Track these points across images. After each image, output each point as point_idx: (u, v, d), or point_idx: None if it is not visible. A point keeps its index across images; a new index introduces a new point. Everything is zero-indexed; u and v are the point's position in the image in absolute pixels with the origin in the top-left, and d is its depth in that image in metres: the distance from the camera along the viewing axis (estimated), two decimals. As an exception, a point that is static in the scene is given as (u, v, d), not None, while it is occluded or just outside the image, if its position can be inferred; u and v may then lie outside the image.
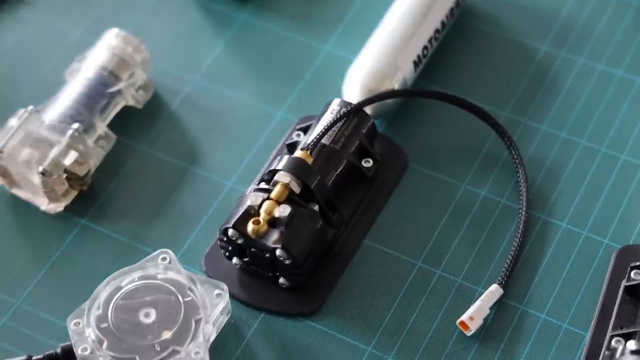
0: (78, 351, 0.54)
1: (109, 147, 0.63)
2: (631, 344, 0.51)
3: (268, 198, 0.57)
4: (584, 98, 0.66)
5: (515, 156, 0.62)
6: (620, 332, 0.53)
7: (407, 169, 0.63)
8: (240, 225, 0.57)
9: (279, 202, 0.57)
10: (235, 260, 0.59)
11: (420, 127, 0.65)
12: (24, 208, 0.62)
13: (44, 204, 0.62)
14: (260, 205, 0.57)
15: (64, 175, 0.60)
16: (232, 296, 0.58)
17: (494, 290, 0.57)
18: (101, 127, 0.63)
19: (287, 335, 0.57)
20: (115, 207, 0.62)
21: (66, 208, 0.62)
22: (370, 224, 0.61)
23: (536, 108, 0.65)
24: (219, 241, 0.58)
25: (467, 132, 0.64)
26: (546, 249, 0.60)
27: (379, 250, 0.60)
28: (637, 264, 0.56)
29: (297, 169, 0.58)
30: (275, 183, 0.57)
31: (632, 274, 0.56)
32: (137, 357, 0.54)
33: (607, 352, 0.53)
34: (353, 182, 0.61)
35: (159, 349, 0.54)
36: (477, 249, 0.60)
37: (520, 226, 0.60)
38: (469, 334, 0.56)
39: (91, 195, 0.63)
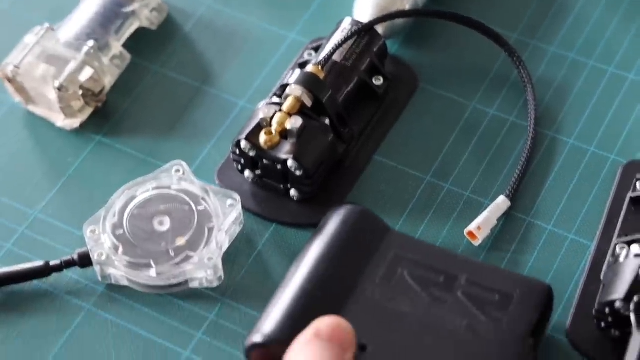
0: (94, 257, 0.56)
1: (124, 66, 0.64)
2: (635, 248, 0.52)
3: (280, 111, 0.58)
4: (593, 20, 0.66)
5: (524, 75, 0.63)
6: (625, 239, 0.54)
7: (418, 89, 0.64)
8: (252, 137, 0.58)
9: (290, 115, 0.58)
10: (247, 173, 0.60)
11: (431, 48, 0.66)
12: (41, 124, 0.63)
13: (60, 120, 0.63)
14: (272, 118, 0.58)
15: (80, 92, 0.62)
16: (245, 208, 0.59)
17: (501, 202, 0.59)
18: (116, 47, 0.64)
19: (298, 246, 0.58)
20: (130, 124, 0.64)
21: (82, 125, 0.63)
22: (381, 140, 0.62)
23: (546, 30, 0.66)
24: (231, 154, 0.59)
25: (477, 53, 0.65)
26: (553, 164, 0.61)
27: (388, 165, 0.61)
28: (643, 175, 0.57)
29: (309, 82, 0.59)
30: (287, 96, 0.58)
31: (637, 185, 0.57)
32: (151, 262, 0.55)
33: (611, 259, 0.54)
34: (364, 100, 0.62)
35: (173, 254, 0.56)
36: (485, 164, 0.61)
37: (529, 142, 0.61)
38: (476, 244, 0.57)
39: (106, 112, 0.64)
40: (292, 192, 0.60)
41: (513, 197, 0.59)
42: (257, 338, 0.51)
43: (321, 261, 0.54)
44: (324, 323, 0.48)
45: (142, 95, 0.65)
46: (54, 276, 0.57)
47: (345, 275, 0.53)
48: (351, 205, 0.57)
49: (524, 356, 0.50)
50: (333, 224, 0.56)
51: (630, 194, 0.57)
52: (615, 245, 0.55)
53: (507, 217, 0.59)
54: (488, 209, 0.58)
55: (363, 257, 0.54)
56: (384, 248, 0.55)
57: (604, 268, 0.55)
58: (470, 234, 0.57)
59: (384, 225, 0.56)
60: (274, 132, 0.57)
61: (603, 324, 0.53)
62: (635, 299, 0.50)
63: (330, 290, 0.53)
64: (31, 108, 0.64)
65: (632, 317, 0.50)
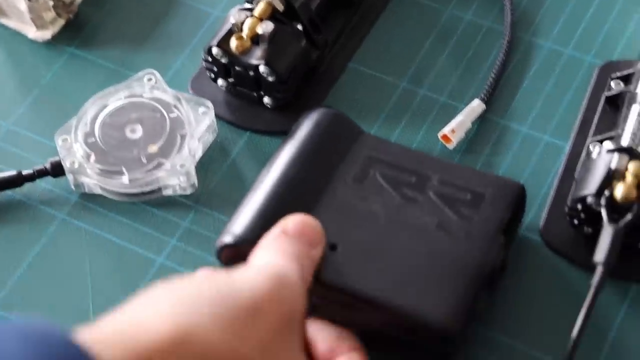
0: (66, 165, 0.56)
1: (95, -23, 0.64)
2: (607, 144, 0.52)
3: (251, 16, 0.57)
4: None
5: (500, -20, 0.62)
6: (598, 137, 0.54)
7: (393, -5, 0.63)
8: (223, 42, 0.57)
9: (262, 20, 0.57)
10: (220, 82, 0.59)
11: (406, -45, 0.65)
12: (12, 37, 0.63)
13: (31, 32, 0.62)
14: (243, 23, 0.57)
15: (50, 2, 0.61)
16: (219, 117, 0.59)
17: (476, 106, 0.58)
18: (87, -43, 0.63)
19: (272, 153, 0.57)
20: (102, 36, 0.63)
21: (54, 37, 0.62)
22: (356, 47, 0.62)
23: None
24: (204, 62, 0.59)
25: (453, -42, 0.64)
26: (529, 68, 0.60)
27: (364, 72, 0.61)
28: (617, 74, 0.56)
29: (280, -14, 0.58)
30: (259, 1, 0.58)
31: (612, 84, 0.56)
32: (123, 168, 0.55)
33: (585, 158, 0.54)
34: (339, 7, 0.61)
35: (145, 161, 0.56)
36: (461, 69, 0.60)
37: (504, 45, 0.60)
38: (451, 147, 0.57)
39: (79, 24, 0.63)
40: (266, 99, 0.59)
41: (488, 101, 0.58)
42: (227, 238, 0.51)
43: (292, 163, 0.53)
44: (291, 220, 0.48)
45: (114, 7, 0.64)
46: (27, 186, 0.57)
47: (316, 177, 0.53)
48: (324, 108, 0.56)
49: (493, 253, 0.50)
50: (305, 127, 0.55)
51: (605, 93, 0.57)
52: (589, 144, 0.54)
53: (482, 121, 0.58)
54: (462, 112, 0.58)
55: (335, 159, 0.54)
56: (357, 150, 0.54)
57: (578, 167, 0.55)
58: (445, 137, 0.57)
59: (357, 129, 0.56)
60: (245, 37, 0.57)
61: (576, 221, 0.52)
62: (606, 193, 0.50)
63: (300, 191, 0.53)
64: (3, 21, 0.63)
65: (603, 211, 0.50)
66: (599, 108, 0.57)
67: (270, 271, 0.44)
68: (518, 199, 0.52)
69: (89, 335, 0.39)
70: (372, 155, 0.54)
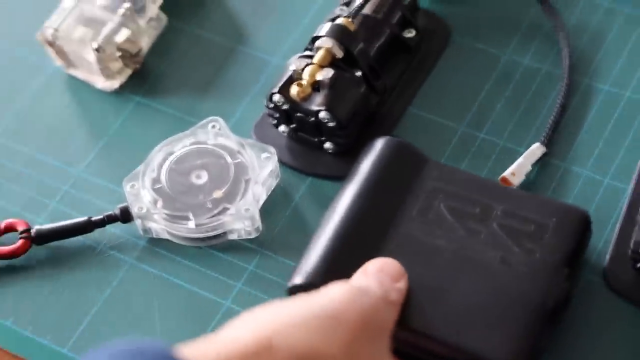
0: (134, 210, 0.57)
1: (160, 28, 0.66)
2: (670, 186, 0.52)
3: (311, 63, 0.59)
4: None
5: (557, 23, 0.63)
6: (660, 179, 0.54)
7: (450, 41, 0.64)
8: (284, 89, 0.58)
9: (322, 67, 0.58)
10: (282, 127, 0.61)
11: (462, 1, 0.66)
12: (81, 87, 0.65)
13: (99, 82, 0.64)
14: (303, 70, 0.59)
15: (117, 53, 0.63)
16: (281, 162, 0.60)
17: (536, 148, 0.58)
18: (152, 9, 0.65)
19: (333, 197, 0.59)
20: (167, 85, 0.65)
21: (121, 86, 0.64)
22: (414, 92, 0.63)
23: (579, -22, 0.66)
24: (266, 108, 0.60)
25: (509, 2, 0.65)
26: (589, 111, 0.60)
27: (423, 117, 0.62)
28: (679, 116, 0.57)
29: (339, 34, 0.59)
30: (318, 49, 0.59)
31: (673, 125, 0.57)
32: (190, 214, 0.57)
33: (648, 200, 0.54)
34: (397, 53, 0.63)
35: (210, 206, 0.57)
36: (519, 113, 0.61)
37: (563, 87, 0.60)
38: (511, 190, 0.58)
39: (145, 73, 0.65)
40: (327, 144, 0.60)
41: (548, 143, 0.59)
42: (297, 279, 0.52)
43: (357, 199, 0.54)
44: (370, 262, 0.51)
45: (178, 56, 0.66)
46: (97, 232, 0.58)
47: (382, 211, 0.54)
48: (387, 137, 0.57)
49: (557, 287, 0.50)
50: (370, 158, 0.56)
51: (666, 135, 0.57)
52: (652, 186, 0.55)
53: (542, 164, 0.59)
54: (523, 156, 0.58)
55: (400, 190, 0.55)
56: (421, 180, 0.55)
57: (640, 209, 0.55)
58: (504, 180, 0.57)
59: (421, 156, 0.56)
60: (305, 83, 0.58)
61: (639, 265, 0.53)
62: (671, 236, 0.50)
63: (367, 228, 0.53)
64: (72, 72, 0.65)
65: (667, 254, 0.50)
66: (660, 150, 0.57)
67: (349, 284, 0.48)
68: (583, 227, 0.53)
69: (185, 351, 0.43)
70: (436, 186, 0.55)
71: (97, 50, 0.62)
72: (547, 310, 0.50)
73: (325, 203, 0.59)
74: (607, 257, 0.54)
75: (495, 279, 0.51)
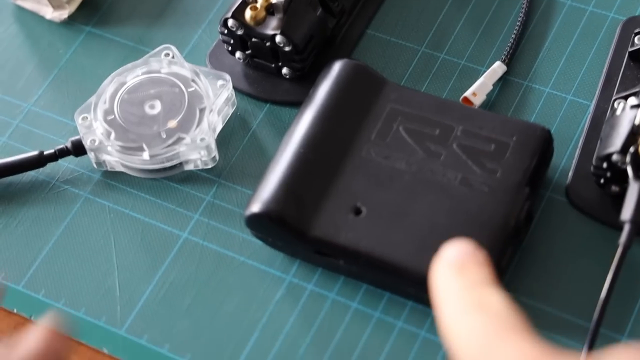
0: (87, 143, 0.56)
1: (110, -45, 0.64)
2: (632, 100, 0.51)
3: (266, -14, 0.57)
4: None
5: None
6: (623, 94, 0.53)
7: (409, -40, 0.63)
8: (238, 14, 0.57)
9: (276, -11, 0.57)
10: (238, 54, 0.59)
11: None
12: (30, 18, 0.63)
13: (48, 13, 0.62)
14: (258, -6, 0.57)
15: (66, -18, 0.61)
16: (238, 90, 0.59)
17: (497, 67, 0.57)
18: None
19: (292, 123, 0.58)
20: (119, 13, 0.63)
21: (71, 16, 0.62)
22: (373, 14, 0.61)
23: None
24: (220, 35, 0.58)
25: None
26: (550, 27, 0.59)
27: (382, 38, 0.60)
28: (641, 29, 0.55)
29: (294, -45, 0.57)
30: (273, -29, 0.58)
31: (635, 39, 0.55)
32: (144, 145, 0.55)
33: (609, 116, 0.53)
34: (355, -26, 0.61)
35: (164, 136, 0.55)
36: (480, 31, 0.59)
37: (524, 5, 0.59)
38: (472, 110, 0.57)
39: (95, 2, 0.63)
40: (284, 70, 0.59)
41: (509, 62, 0.57)
42: (255, 207, 0.51)
43: (314, 123, 0.53)
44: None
45: (130, -16, 0.64)
46: (50, 166, 0.57)
47: (339, 135, 0.53)
48: (345, 60, 0.55)
49: (518, 204, 0.50)
50: (326, 82, 0.55)
51: (628, 49, 0.56)
52: (614, 101, 0.53)
53: (504, 82, 0.57)
54: (484, 75, 0.57)
55: (358, 113, 0.54)
56: (380, 102, 0.54)
57: (603, 125, 0.54)
58: (466, 100, 0.56)
59: (379, 78, 0.55)
60: (259, 7, 0.56)
61: (602, 180, 0.52)
62: (631, 149, 0.49)
63: (325, 153, 0.52)
64: (19, 2, 0.63)
65: (629, 168, 0.49)
66: (623, 64, 0.56)
67: None
68: (544, 144, 0.52)
69: None
70: (395, 108, 0.53)
71: (44, -21, 0.60)
72: (509, 229, 0.49)
73: (284, 129, 0.57)
74: (570, 174, 0.54)
75: (456, 200, 0.50)
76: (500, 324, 0.39)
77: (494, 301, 0.40)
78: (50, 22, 0.62)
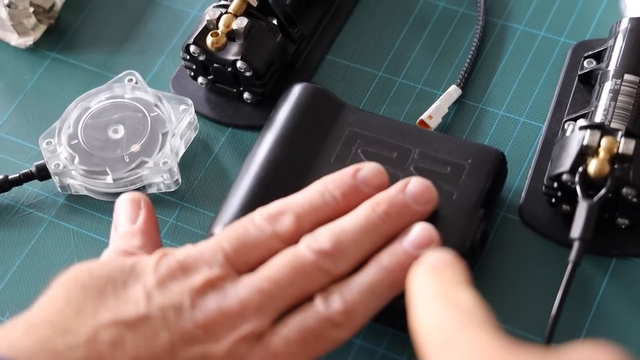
0: (51, 167, 0.57)
1: (74, -17, 0.65)
2: (581, 122, 0.52)
3: (226, 13, 0.58)
4: None
5: (472, -34, 0.63)
6: (573, 115, 0.55)
7: (367, -13, 0.64)
8: (200, 40, 0.58)
9: (237, 16, 0.58)
10: (200, 79, 0.60)
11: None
12: (-5, 45, 0.64)
13: (13, 39, 0.63)
14: (218, 20, 0.58)
15: (31, 9, 0.62)
16: (200, 114, 0.60)
17: (452, 91, 0.59)
18: (65, -36, 0.64)
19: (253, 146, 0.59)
20: (83, 40, 0.64)
21: (36, 42, 0.63)
22: (332, 40, 0.62)
23: None
24: (183, 61, 0.60)
25: (425, -53, 0.65)
26: (504, 52, 0.61)
27: (341, 64, 0.62)
28: (590, 53, 0.57)
29: (254, -18, 0.59)
30: (234, -2, 0.59)
31: (585, 63, 0.57)
32: (107, 169, 0.56)
33: (560, 137, 0.55)
34: (313, 1, 0.62)
35: (128, 160, 0.56)
36: (436, 56, 0.61)
37: (478, 30, 0.61)
38: (429, 133, 0.58)
39: (60, 29, 0.64)
40: (245, 95, 0.60)
41: (464, 86, 0.59)
42: (217, 229, 0.52)
43: (274, 146, 0.54)
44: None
45: (94, 10, 0.65)
46: (15, 190, 0.58)
47: (299, 158, 0.54)
48: (303, 84, 0.57)
49: (473, 226, 0.51)
50: (286, 105, 0.56)
51: (578, 72, 0.57)
52: (564, 122, 0.55)
53: (459, 105, 0.59)
54: (440, 98, 0.59)
55: (317, 136, 0.55)
56: (339, 125, 0.55)
57: (554, 146, 0.55)
58: (422, 123, 0.58)
59: (338, 101, 0.56)
60: (220, 33, 0.57)
61: (553, 200, 0.53)
62: (580, 169, 0.51)
63: (284, 175, 0.54)
64: (-16, 30, 0.64)
65: (578, 187, 0.51)
66: (573, 87, 0.57)
67: None
68: (498, 166, 0.53)
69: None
70: (354, 131, 0.55)
71: (9, 6, 0.61)
72: (465, 250, 0.51)
73: (246, 153, 0.59)
74: (523, 194, 0.55)
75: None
76: (467, 318, 0.41)
77: (464, 297, 0.43)
78: (16, 49, 0.63)
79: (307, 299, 0.47)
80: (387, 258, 0.47)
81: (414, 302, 0.43)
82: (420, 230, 0.48)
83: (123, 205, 0.51)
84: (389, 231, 0.48)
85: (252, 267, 0.47)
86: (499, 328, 0.41)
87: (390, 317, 0.50)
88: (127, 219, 0.51)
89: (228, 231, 0.48)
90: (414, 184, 0.49)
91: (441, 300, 0.42)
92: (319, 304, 0.46)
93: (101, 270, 0.46)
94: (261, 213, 0.49)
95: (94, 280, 0.46)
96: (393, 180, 0.52)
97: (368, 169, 0.50)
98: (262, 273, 0.47)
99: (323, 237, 0.47)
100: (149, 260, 0.47)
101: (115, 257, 0.49)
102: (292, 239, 0.48)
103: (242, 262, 0.47)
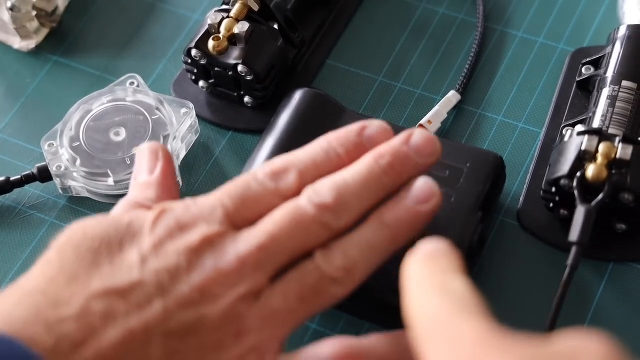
0: (53, 169, 0.57)
1: (77, -13, 0.65)
2: (579, 127, 0.53)
3: (228, 17, 0.59)
4: None
5: (472, -27, 0.63)
6: (571, 121, 0.55)
7: (368, -7, 0.65)
8: (201, 44, 0.58)
9: (238, 20, 0.59)
10: (201, 83, 0.61)
11: (380, -47, 0.66)
12: (-2, 48, 0.65)
13: (16, 43, 0.64)
14: (220, 24, 0.59)
15: (33, 12, 0.62)
16: (201, 118, 0.61)
17: (452, 96, 0.59)
18: (68, -32, 0.65)
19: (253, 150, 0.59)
20: (86, 43, 0.64)
21: (38, 46, 0.64)
22: (333, 45, 0.63)
23: None
24: (184, 64, 0.60)
25: (426, -46, 0.66)
26: (502, 58, 0.61)
27: (341, 69, 0.62)
28: (588, 60, 0.58)
29: (256, -13, 0.59)
30: (235, 2, 0.59)
31: (583, 69, 0.58)
32: (109, 171, 0.57)
33: (558, 142, 0.55)
34: (314, 6, 0.63)
35: (129, 162, 0.57)
36: (435, 62, 0.62)
37: (478, 36, 0.61)
38: (428, 137, 0.59)
39: (62, 32, 0.65)
40: (246, 98, 0.60)
41: (463, 91, 0.60)
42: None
43: (275, 150, 0.55)
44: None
45: (97, 14, 0.65)
46: (16, 192, 0.58)
47: None
48: (305, 89, 0.57)
49: (471, 229, 0.51)
50: (287, 110, 0.57)
51: (576, 79, 0.58)
52: (562, 128, 0.56)
53: (458, 111, 0.60)
54: (439, 104, 0.59)
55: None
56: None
57: (552, 151, 0.56)
58: (421, 127, 0.58)
59: (339, 106, 0.57)
60: (221, 37, 0.58)
61: (551, 204, 0.54)
62: (578, 174, 0.51)
63: None
64: (-13, 33, 0.65)
65: (576, 192, 0.51)
66: (572, 93, 0.58)
67: None
68: (496, 170, 0.54)
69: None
70: None
71: (12, 9, 0.61)
72: (462, 252, 0.51)
73: (246, 156, 0.59)
74: (521, 199, 0.56)
75: None
76: (459, 305, 0.41)
77: (458, 285, 0.42)
78: (18, 52, 0.64)
79: (305, 255, 0.46)
80: (388, 214, 0.47)
81: (408, 289, 0.43)
82: (422, 185, 0.47)
83: (142, 155, 0.51)
84: (391, 184, 0.48)
85: (251, 223, 0.46)
86: (492, 317, 0.41)
87: (376, 313, 0.50)
88: (145, 169, 0.50)
89: (229, 186, 0.47)
90: (418, 136, 0.48)
91: (434, 288, 0.42)
92: (319, 260, 0.46)
93: (96, 229, 0.45)
94: (264, 169, 0.48)
95: (88, 241, 0.45)
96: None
97: (375, 127, 0.49)
98: (262, 227, 0.46)
99: (324, 189, 0.47)
100: (146, 217, 0.46)
101: (121, 210, 0.48)
102: (295, 196, 0.47)
103: (243, 217, 0.46)
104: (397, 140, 0.48)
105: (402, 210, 0.47)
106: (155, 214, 0.46)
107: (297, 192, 0.47)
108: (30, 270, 0.45)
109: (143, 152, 0.51)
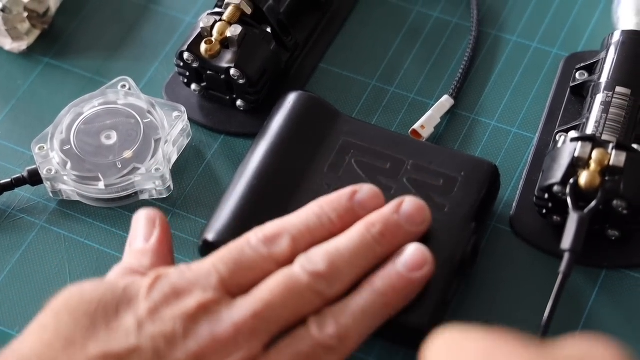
0: (43, 172, 0.57)
1: (69, -12, 0.65)
2: (572, 133, 0.53)
3: (220, 20, 0.58)
4: None
5: (466, -23, 0.63)
6: (564, 127, 0.55)
7: (361, -4, 0.64)
8: (194, 47, 0.58)
9: (231, 24, 0.58)
10: (194, 86, 0.60)
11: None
12: (-11, 50, 0.64)
13: (7, 44, 0.63)
14: (212, 27, 0.58)
15: (25, 14, 0.62)
16: (193, 121, 0.60)
17: (445, 101, 0.59)
18: (59, -31, 0.64)
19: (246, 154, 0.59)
20: (77, 45, 0.64)
21: (30, 47, 0.63)
22: (326, 48, 0.63)
23: None
24: (176, 67, 0.60)
25: (420, -43, 0.65)
26: (496, 62, 0.61)
27: (334, 72, 0.62)
28: (582, 65, 0.57)
29: (248, -10, 0.59)
30: (227, 5, 0.59)
31: (577, 75, 0.57)
32: (99, 175, 0.56)
33: (551, 148, 0.55)
34: (308, 10, 0.63)
35: (120, 166, 0.56)
36: (429, 66, 0.61)
37: (472, 41, 0.61)
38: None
39: (54, 34, 0.64)
40: (239, 102, 0.60)
41: (457, 96, 0.59)
42: (209, 236, 0.52)
43: (268, 154, 0.54)
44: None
45: (88, 16, 0.65)
46: (6, 195, 0.58)
47: (292, 167, 0.54)
48: (299, 92, 0.57)
49: (464, 240, 0.51)
50: (280, 114, 0.56)
51: (570, 84, 0.58)
52: (556, 134, 0.55)
53: (451, 115, 0.59)
54: (432, 108, 0.59)
55: (311, 145, 0.55)
56: (333, 135, 0.55)
57: (545, 157, 0.56)
58: (414, 132, 0.58)
59: (332, 110, 0.56)
60: (214, 41, 0.58)
61: (544, 211, 0.53)
62: (571, 181, 0.51)
63: (277, 183, 0.54)
64: (-22, 34, 0.64)
65: (569, 199, 0.51)
66: (565, 99, 0.58)
67: None
68: (491, 180, 0.53)
69: None
70: (347, 141, 0.55)
71: (3, 10, 0.61)
72: (455, 264, 0.51)
73: (238, 160, 0.59)
74: (514, 205, 0.55)
75: None
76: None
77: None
78: (9, 53, 0.63)
79: (299, 323, 0.46)
80: (380, 281, 0.47)
81: None
82: (414, 251, 0.48)
83: (139, 222, 0.51)
84: (382, 252, 0.48)
85: (246, 290, 0.47)
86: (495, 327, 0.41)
87: (393, 334, 0.50)
88: (141, 236, 0.50)
89: (223, 252, 0.48)
90: (408, 205, 0.49)
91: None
92: (312, 328, 0.46)
93: (93, 293, 0.46)
94: (257, 234, 0.48)
95: (85, 305, 0.45)
96: (386, 190, 0.52)
97: (365, 191, 0.50)
98: (256, 295, 0.46)
99: (317, 257, 0.47)
100: (142, 283, 0.46)
101: (115, 276, 0.48)
102: (288, 262, 0.48)
103: (237, 284, 0.47)
104: (388, 209, 0.49)
105: (394, 277, 0.48)
106: (151, 279, 0.47)
107: (290, 257, 0.48)
108: (24, 333, 0.45)
109: (140, 218, 0.51)
